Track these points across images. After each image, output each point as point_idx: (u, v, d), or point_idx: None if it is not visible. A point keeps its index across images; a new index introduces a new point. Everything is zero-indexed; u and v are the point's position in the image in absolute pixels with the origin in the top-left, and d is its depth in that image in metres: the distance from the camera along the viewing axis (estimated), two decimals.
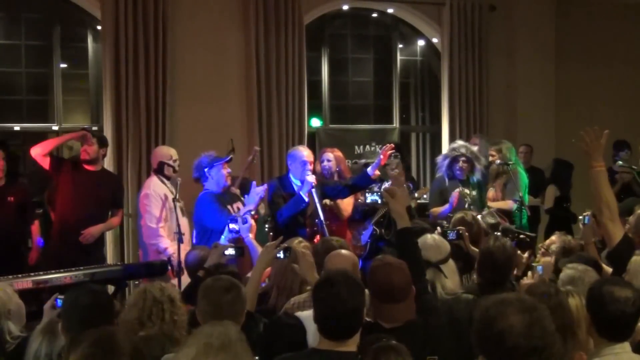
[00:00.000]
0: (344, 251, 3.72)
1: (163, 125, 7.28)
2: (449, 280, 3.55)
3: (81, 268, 5.12)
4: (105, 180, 5.97)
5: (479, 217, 5.43)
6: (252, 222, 5.03)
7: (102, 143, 5.97)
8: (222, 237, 4.97)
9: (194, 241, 5.54)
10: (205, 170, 5.40)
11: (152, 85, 7.24)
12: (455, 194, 6.17)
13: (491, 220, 5.49)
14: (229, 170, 5.51)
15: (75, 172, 5.82)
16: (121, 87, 7.14)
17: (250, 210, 5.14)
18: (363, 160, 6.94)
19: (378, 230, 6.19)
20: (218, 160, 5.44)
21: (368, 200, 3.64)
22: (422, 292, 3.06)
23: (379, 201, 3.58)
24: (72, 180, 5.79)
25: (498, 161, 6.78)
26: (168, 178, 5.96)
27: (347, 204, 6.17)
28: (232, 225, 4.92)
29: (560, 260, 4.27)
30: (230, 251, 4.25)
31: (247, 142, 7.71)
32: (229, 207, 5.38)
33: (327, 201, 5.94)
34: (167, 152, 6.12)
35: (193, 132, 7.46)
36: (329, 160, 6.43)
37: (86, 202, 5.77)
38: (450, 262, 3.65)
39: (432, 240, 3.68)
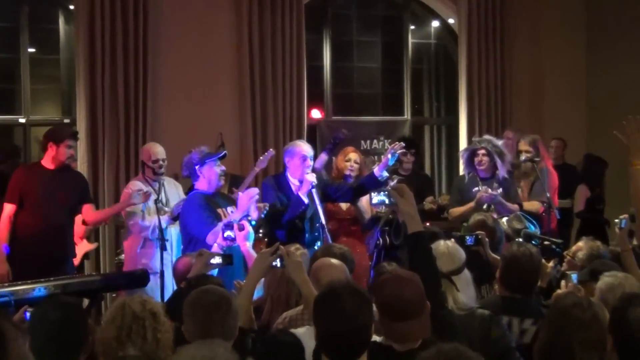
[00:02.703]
0: (333, 261, 3.70)
1: (144, 118, 7.28)
2: (463, 294, 3.53)
3: (51, 279, 5.11)
4: (67, 178, 5.95)
5: (503, 220, 5.40)
6: (250, 228, 5.01)
7: (76, 138, 5.97)
8: (215, 244, 4.94)
9: (182, 247, 5.53)
10: (196, 167, 5.37)
11: (131, 72, 7.24)
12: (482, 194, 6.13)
13: (517, 225, 5.46)
14: (223, 168, 5.50)
15: (38, 176, 5.79)
16: (97, 74, 7.14)
17: (246, 216, 5.13)
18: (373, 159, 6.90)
19: (381, 240, 6.17)
20: (210, 156, 5.42)
21: (374, 201, 3.59)
22: (437, 307, 3.04)
23: (387, 201, 3.53)
24: (35, 182, 5.78)
25: (523, 157, 6.75)
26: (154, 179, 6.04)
27: (366, 203, 6.15)
28: (227, 232, 4.88)
29: (581, 272, 4.25)
30: (217, 259, 4.23)
31: (239, 137, 7.72)
32: (219, 210, 5.36)
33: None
34: (147, 152, 6.16)
35: (177, 126, 7.46)
36: (356, 162, 6.36)
37: (51, 204, 5.76)
38: (465, 272, 3.62)
39: (444, 248, 3.65)
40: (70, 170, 5.98)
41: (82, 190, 5.96)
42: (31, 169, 5.93)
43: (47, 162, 5.75)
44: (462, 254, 3.67)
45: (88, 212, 5.99)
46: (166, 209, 5.97)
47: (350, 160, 6.31)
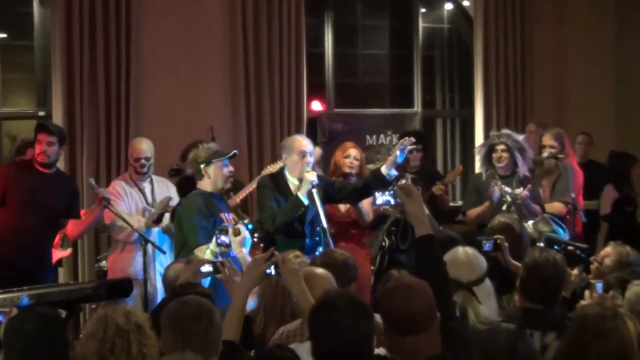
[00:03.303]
0: (318, 271, 3.71)
1: (126, 111, 7.30)
2: (484, 306, 3.54)
3: (24, 288, 5.13)
4: (60, 185, 5.98)
5: (529, 223, 5.39)
6: (247, 234, 5.02)
7: (62, 140, 5.93)
8: (207, 250, 4.96)
9: (174, 251, 5.56)
10: (201, 167, 5.36)
11: (112, 60, 7.26)
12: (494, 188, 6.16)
13: (545, 229, 5.47)
14: (232, 169, 5.48)
15: (25, 175, 5.82)
16: (74, 62, 7.16)
17: (242, 219, 5.14)
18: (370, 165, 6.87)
19: (388, 241, 6.20)
20: (217, 155, 5.38)
21: (378, 202, 3.60)
22: (448, 319, 3.05)
23: (392, 202, 3.55)
24: (21, 185, 5.81)
25: (546, 153, 6.76)
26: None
27: (367, 204, 6.18)
28: (222, 237, 4.89)
29: (610, 276, 4.28)
30: (208, 267, 4.25)
31: (231, 131, 7.73)
32: (222, 215, 5.37)
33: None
34: (131, 148, 6.22)
35: (164, 119, 7.48)
36: (356, 159, 6.39)
37: (34, 211, 5.79)
38: (487, 282, 3.64)
39: (463, 255, 3.65)
40: (61, 175, 6.03)
41: (70, 200, 5.95)
42: (21, 166, 5.97)
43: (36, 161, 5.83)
44: (482, 262, 3.67)
45: (73, 227, 6.03)
46: (148, 210, 6.00)
47: (350, 157, 6.32)
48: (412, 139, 5.73)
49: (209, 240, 4.98)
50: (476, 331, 3.43)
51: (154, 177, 6.26)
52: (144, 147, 6.15)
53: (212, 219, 5.23)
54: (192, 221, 5.23)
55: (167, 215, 6.01)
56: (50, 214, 5.86)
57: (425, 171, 7.22)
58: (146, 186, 6.20)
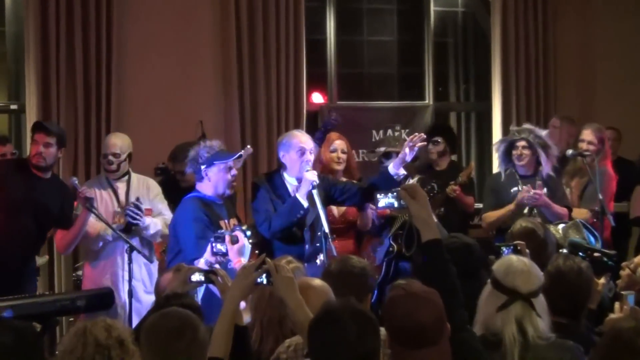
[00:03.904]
0: (315, 282, 3.71)
1: (107, 104, 7.32)
2: (542, 320, 3.53)
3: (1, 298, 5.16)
4: (54, 193, 5.99)
5: (559, 228, 5.39)
6: (245, 241, 5.02)
7: (62, 142, 5.95)
8: (202, 260, 4.97)
9: (167, 258, 5.57)
10: (202, 167, 5.33)
11: (92, 48, 7.27)
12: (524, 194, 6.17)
13: (575, 236, 5.46)
14: (235, 173, 5.45)
15: (19, 177, 5.84)
16: (50, 50, 7.18)
17: (240, 226, 5.15)
18: (382, 149, 6.89)
19: (395, 246, 6.22)
20: (221, 157, 5.35)
21: (380, 204, 3.60)
22: (458, 330, 3.06)
23: (396, 204, 3.54)
24: (12, 185, 5.84)
25: (570, 151, 6.76)
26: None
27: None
28: (218, 246, 4.89)
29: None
30: (199, 276, 4.25)
31: (223, 126, 7.75)
32: (222, 223, 5.37)
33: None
34: (104, 144, 6.27)
35: (148, 113, 7.51)
36: (344, 152, 6.41)
37: (23, 216, 5.82)
38: (541, 296, 3.63)
39: (519, 263, 3.57)
40: (57, 181, 6.06)
41: (64, 210, 5.93)
42: (14, 165, 6.03)
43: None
44: (540, 272, 3.63)
45: (62, 237, 6.06)
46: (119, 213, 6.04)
47: (337, 150, 6.33)
48: (423, 135, 5.72)
49: (204, 252, 5.00)
50: (535, 347, 3.38)
51: (134, 176, 6.26)
52: (113, 141, 6.15)
53: (212, 228, 5.21)
54: (188, 230, 5.22)
55: (147, 220, 6.02)
56: (40, 222, 5.88)
57: (455, 173, 7.11)
58: (120, 186, 6.20)
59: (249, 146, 6.64)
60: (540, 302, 3.54)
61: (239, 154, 5.59)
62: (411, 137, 5.68)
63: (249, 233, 5.13)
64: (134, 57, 7.55)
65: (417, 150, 5.73)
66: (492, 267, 3.60)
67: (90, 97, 7.29)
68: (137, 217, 5.92)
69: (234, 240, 4.91)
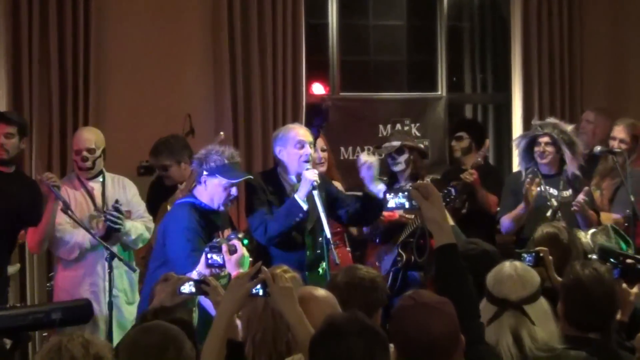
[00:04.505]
0: (319, 292, 3.70)
1: (85, 95, 7.30)
2: (541, 328, 3.54)
3: None
4: (19, 189, 6.00)
5: (588, 235, 5.39)
6: (244, 251, 5.01)
7: (24, 131, 5.99)
8: (194, 273, 4.97)
9: (150, 266, 5.57)
10: (204, 173, 5.35)
11: (68, 34, 7.26)
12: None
13: (605, 242, 5.46)
14: (236, 193, 5.50)
15: None
16: (22, 37, 7.17)
17: (235, 234, 5.15)
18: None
19: (404, 255, 6.22)
20: (225, 173, 5.35)
21: (390, 205, 3.59)
22: (474, 343, 3.05)
23: (407, 205, 3.54)
24: None
25: (599, 148, 6.76)
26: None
27: None
28: (214, 257, 4.88)
29: None
30: (189, 287, 4.25)
31: (214, 120, 7.75)
32: (218, 234, 5.37)
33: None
34: (73, 139, 6.29)
35: (131, 106, 7.51)
36: (323, 150, 6.47)
37: None
38: (542, 301, 3.62)
39: (511, 269, 3.63)
40: (22, 176, 6.07)
41: (31, 208, 5.95)
42: None
43: None
44: (535, 277, 3.65)
45: (32, 236, 6.05)
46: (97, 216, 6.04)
47: (317, 149, 6.33)
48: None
49: (197, 266, 4.97)
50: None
51: (108, 176, 6.29)
52: (87, 136, 6.18)
53: (207, 241, 5.20)
54: (180, 241, 5.23)
55: (128, 225, 6.03)
56: (8, 223, 5.89)
57: (485, 172, 7.01)
58: (95, 186, 6.22)
59: (221, 132, 6.66)
60: (540, 308, 3.56)
61: (249, 176, 5.65)
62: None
63: (246, 242, 5.13)
64: (115, 44, 7.53)
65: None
66: (487, 276, 3.63)
67: (66, 88, 7.27)
68: (119, 221, 5.92)
69: (232, 250, 4.90)
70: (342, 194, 6.01)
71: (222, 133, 6.63)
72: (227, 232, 5.47)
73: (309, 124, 6.81)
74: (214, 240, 5.07)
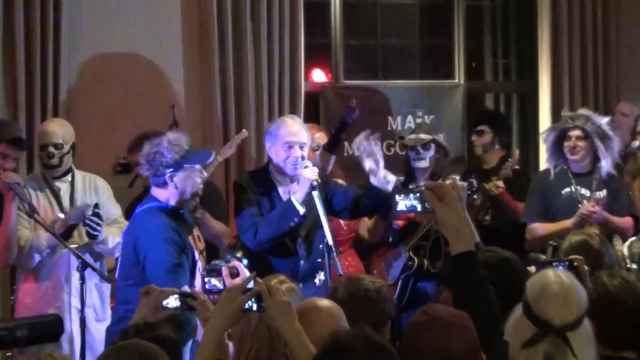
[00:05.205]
0: (323, 302, 3.70)
1: (55, 84, 7.32)
2: (581, 356, 3.48)
3: None
4: None
5: (625, 244, 5.39)
6: (247, 272, 5.00)
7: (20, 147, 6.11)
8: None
9: (119, 282, 5.55)
10: (167, 172, 5.28)
11: (36, 15, 7.26)
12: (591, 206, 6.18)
13: None
14: (205, 175, 5.50)
15: None
16: None
17: (241, 259, 5.16)
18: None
19: (416, 260, 6.22)
20: (192, 159, 5.34)
21: (400, 207, 3.58)
22: None
23: (419, 208, 3.53)
24: None
25: (637, 143, 6.78)
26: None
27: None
28: (212, 281, 4.87)
29: None
30: (174, 301, 4.27)
31: (201, 112, 7.75)
32: (190, 239, 5.38)
33: None
34: (38, 133, 6.32)
35: (105, 94, 7.50)
36: (318, 147, 6.52)
37: None
38: (585, 323, 3.54)
39: (557, 285, 3.46)
40: None
41: None
42: None
43: None
44: (583, 295, 3.45)
45: None
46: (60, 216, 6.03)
47: (320, 147, 6.44)
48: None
49: (181, 282, 5.01)
50: None
51: (79, 174, 6.30)
52: (53, 129, 6.19)
53: (186, 251, 5.24)
54: (158, 255, 5.19)
55: (83, 230, 6.02)
56: None
57: (514, 178, 7.00)
58: (62, 187, 6.23)
59: (244, 130, 6.68)
60: (584, 332, 3.48)
61: (212, 156, 5.66)
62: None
63: (246, 261, 5.14)
64: (87, 23, 7.53)
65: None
66: (527, 283, 3.53)
67: (34, 77, 7.27)
68: (99, 227, 5.92)
69: (234, 274, 4.89)
70: (341, 188, 6.01)
71: (244, 130, 6.64)
72: (197, 232, 5.49)
73: (313, 119, 6.85)
74: (212, 262, 5.05)
